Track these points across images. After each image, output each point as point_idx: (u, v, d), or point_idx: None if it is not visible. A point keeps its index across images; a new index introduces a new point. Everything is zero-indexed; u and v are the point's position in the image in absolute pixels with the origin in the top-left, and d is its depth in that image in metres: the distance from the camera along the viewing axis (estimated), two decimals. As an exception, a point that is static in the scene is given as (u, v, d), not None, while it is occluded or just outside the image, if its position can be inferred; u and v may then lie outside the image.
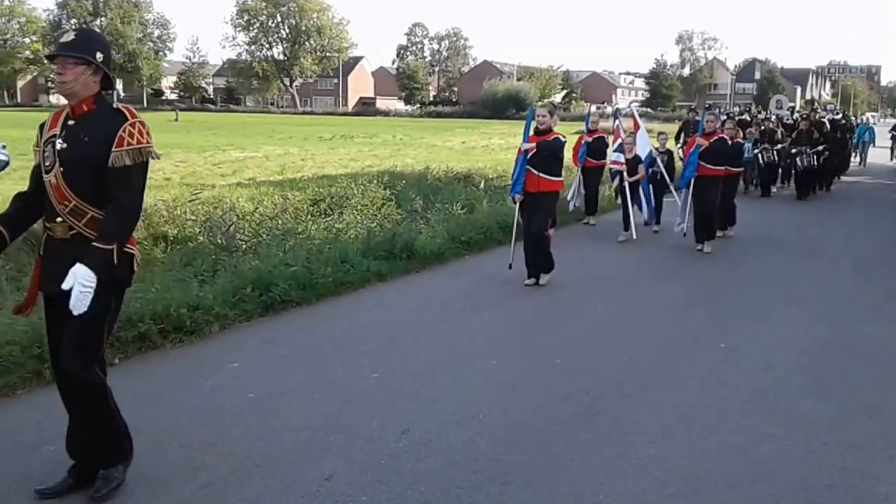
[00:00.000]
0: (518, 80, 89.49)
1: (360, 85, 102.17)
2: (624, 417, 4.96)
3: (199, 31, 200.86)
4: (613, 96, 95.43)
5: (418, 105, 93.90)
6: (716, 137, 10.56)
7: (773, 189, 18.22)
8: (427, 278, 8.86)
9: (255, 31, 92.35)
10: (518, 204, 8.38)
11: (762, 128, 18.21)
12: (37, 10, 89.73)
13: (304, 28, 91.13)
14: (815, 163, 17.34)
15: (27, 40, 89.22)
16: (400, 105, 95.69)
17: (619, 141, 11.86)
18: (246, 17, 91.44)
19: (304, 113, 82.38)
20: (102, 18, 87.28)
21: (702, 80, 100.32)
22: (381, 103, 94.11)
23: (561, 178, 8.43)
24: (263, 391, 5.24)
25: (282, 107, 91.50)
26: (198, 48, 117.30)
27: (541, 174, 8.12)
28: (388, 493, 3.95)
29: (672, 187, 12.10)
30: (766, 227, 13.40)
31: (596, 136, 12.52)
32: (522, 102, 73.31)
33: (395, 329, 6.84)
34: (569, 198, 12.49)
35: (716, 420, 4.97)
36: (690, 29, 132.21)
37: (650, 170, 11.92)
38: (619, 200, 11.85)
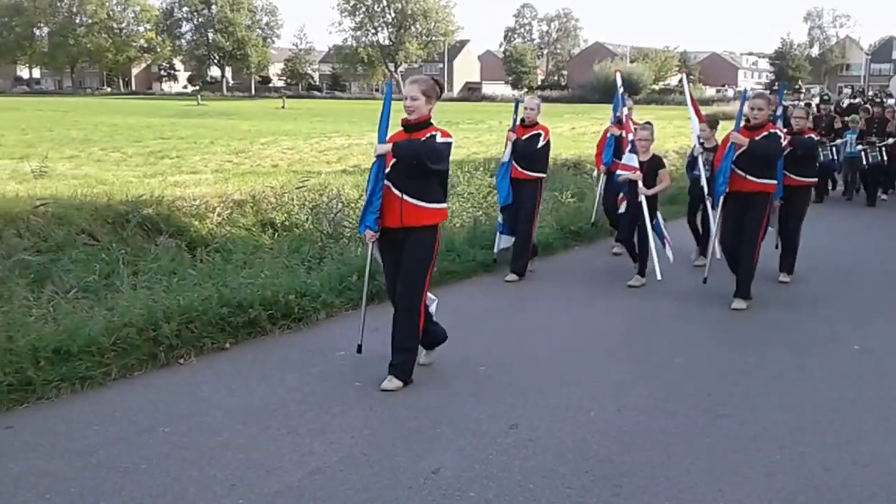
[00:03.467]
0: (631, 61, 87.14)
1: (465, 69, 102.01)
2: (749, 421, 4.67)
3: (306, 18, 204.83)
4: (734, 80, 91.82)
5: (526, 89, 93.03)
6: (764, 133, 6.82)
7: (884, 196, 14.64)
8: (534, 269, 8.66)
9: (361, 15, 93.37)
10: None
11: (870, 115, 14.31)
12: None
13: (409, 12, 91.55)
14: (882, 158, 13.74)
15: (141, 29, 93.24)
16: (507, 90, 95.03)
17: (631, 136, 8.13)
18: (352, 2, 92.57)
19: (471, 99, 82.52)
20: (213, 7, 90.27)
21: (832, 61, 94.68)
22: (488, 88, 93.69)
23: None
24: (370, 380, 5.20)
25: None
26: (304, 35, 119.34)
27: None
28: (496, 490, 3.84)
29: (709, 202, 7.96)
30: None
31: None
32: (636, 85, 71.36)
33: (501, 321, 6.71)
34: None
35: (852, 427, 4.62)
36: (820, 5, 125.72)
37: (694, 174, 8.43)
38: (623, 224, 8.12)
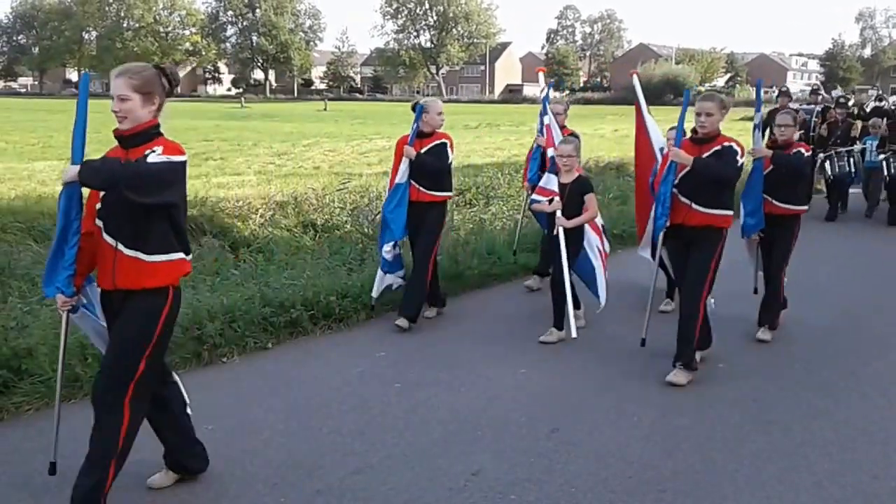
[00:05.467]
0: (677, 63, 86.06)
1: (507, 71, 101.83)
2: (797, 428, 4.57)
3: (348, 21, 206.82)
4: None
5: (568, 91, 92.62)
6: (715, 147, 5.19)
7: None
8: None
9: (404, 18, 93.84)
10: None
11: (893, 119, 12.06)
12: (196, 2, 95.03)
13: (451, 14, 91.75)
14: None
15: (187, 32, 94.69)
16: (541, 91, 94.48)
17: (550, 150, 6.48)
18: (394, 6, 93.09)
19: (449, 101, 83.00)
20: (258, 10, 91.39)
21: (885, 62, 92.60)
22: (529, 90, 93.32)
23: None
24: (410, 381, 5.21)
25: (427, 95, 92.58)
26: (347, 38, 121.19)
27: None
28: (537, 493, 3.81)
29: None
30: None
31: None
32: (681, 87, 70.42)
33: (543, 325, 6.66)
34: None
35: (902, 435, 4.49)
36: (872, 6, 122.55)
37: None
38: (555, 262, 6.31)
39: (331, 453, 4.20)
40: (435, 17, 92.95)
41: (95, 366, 4.96)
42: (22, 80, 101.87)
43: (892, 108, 13.82)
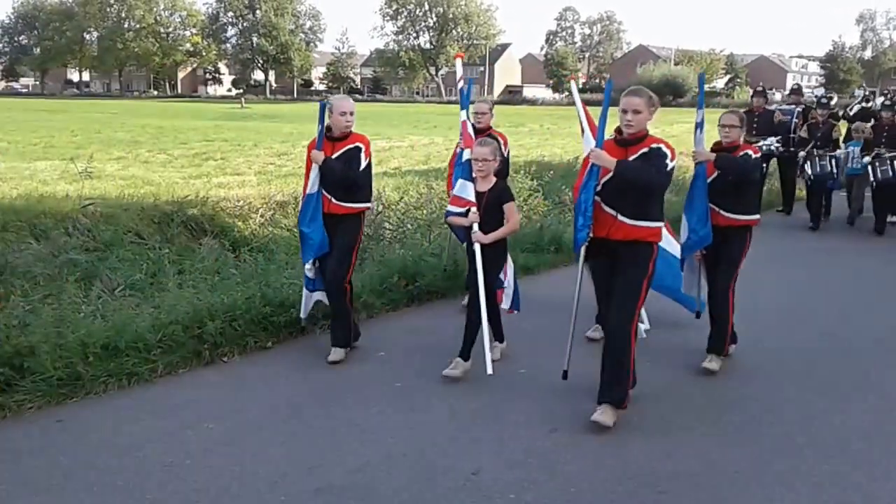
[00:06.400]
0: (676, 64, 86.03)
1: (506, 73, 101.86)
2: (797, 429, 4.58)
3: (348, 22, 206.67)
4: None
5: (567, 92, 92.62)
6: (642, 149, 4.53)
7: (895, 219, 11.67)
8: (575, 273, 8.52)
9: (403, 20, 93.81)
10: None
11: (878, 121, 11.43)
12: (196, 3, 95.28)
13: (451, 16, 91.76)
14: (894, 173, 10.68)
15: (187, 33, 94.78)
16: (548, 93, 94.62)
17: (466, 152, 5.44)
18: (394, 7, 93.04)
19: (449, 102, 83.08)
20: (258, 11, 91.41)
21: (886, 64, 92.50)
22: (529, 91, 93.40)
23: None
24: (409, 381, 5.22)
25: (427, 96, 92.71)
26: (346, 39, 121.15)
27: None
28: (536, 493, 3.82)
29: None
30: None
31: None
32: (680, 88, 70.48)
33: (542, 324, 6.67)
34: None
35: (902, 437, 4.50)
36: (873, 8, 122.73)
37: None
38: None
39: (330, 452, 4.20)
40: (435, 19, 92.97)
41: (97, 364, 4.98)
42: (23, 80, 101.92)
43: (879, 108, 13.19)
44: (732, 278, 5.50)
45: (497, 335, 5.70)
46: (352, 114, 5.54)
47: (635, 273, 4.54)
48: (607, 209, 4.53)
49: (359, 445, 4.29)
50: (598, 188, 4.53)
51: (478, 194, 5.27)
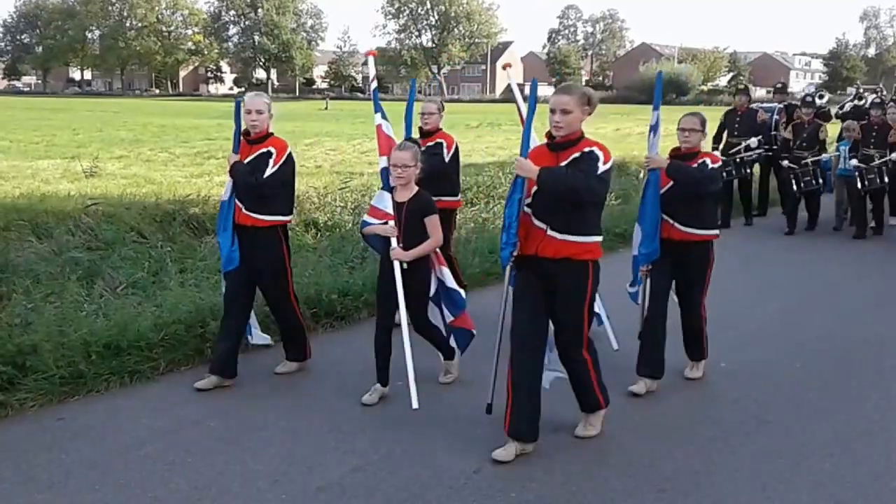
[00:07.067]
0: (679, 62, 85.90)
1: (508, 71, 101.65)
2: (797, 428, 4.58)
3: (350, 21, 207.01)
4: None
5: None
6: (573, 154, 4.04)
7: (893, 221, 11.26)
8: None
9: (405, 18, 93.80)
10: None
11: (868, 121, 10.76)
12: (198, 1, 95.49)
13: (453, 14, 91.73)
14: (882, 180, 10.19)
15: (189, 32, 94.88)
16: (550, 91, 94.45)
17: (383, 160, 5.14)
18: (396, 5, 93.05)
19: (451, 100, 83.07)
20: (260, 10, 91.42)
21: (889, 61, 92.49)
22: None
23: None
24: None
25: (429, 94, 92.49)
26: (348, 37, 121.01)
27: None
28: (538, 491, 3.83)
29: None
30: None
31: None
32: (683, 86, 70.40)
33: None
34: None
35: (902, 436, 4.50)
36: (877, 5, 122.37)
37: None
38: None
39: (332, 450, 4.21)
40: (436, 17, 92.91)
41: (99, 363, 4.99)
42: (25, 78, 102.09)
43: (868, 107, 12.21)
44: (702, 298, 5.15)
45: (445, 353, 5.21)
46: (259, 112, 4.97)
47: (574, 299, 4.08)
48: (538, 223, 4.05)
49: (360, 443, 4.30)
50: (529, 200, 4.08)
51: (397, 205, 4.73)
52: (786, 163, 10.71)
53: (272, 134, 5.10)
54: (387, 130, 5.34)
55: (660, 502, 3.75)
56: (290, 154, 5.10)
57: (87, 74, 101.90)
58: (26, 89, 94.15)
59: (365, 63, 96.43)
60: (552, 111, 4.01)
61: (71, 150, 17.66)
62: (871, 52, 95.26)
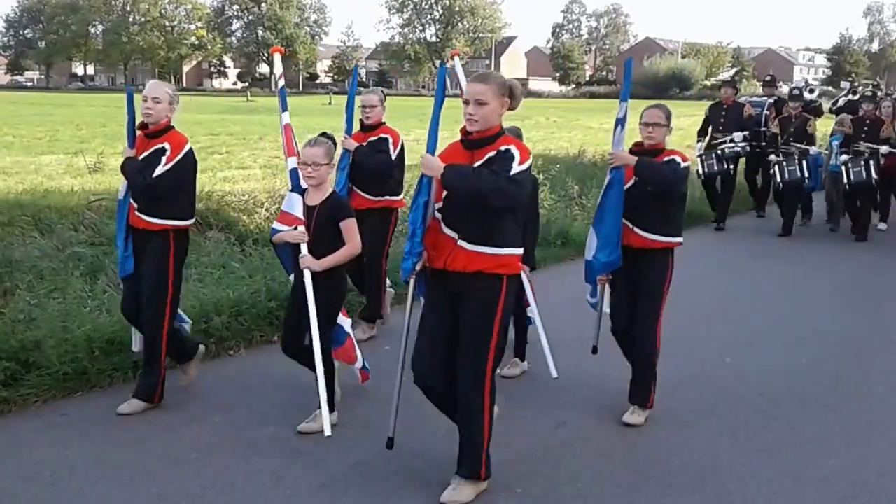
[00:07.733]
0: (683, 57, 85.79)
1: (512, 66, 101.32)
2: (803, 424, 4.57)
3: (353, 15, 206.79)
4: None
5: (573, 85, 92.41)
6: (489, 154, 3.52)
7: (882, 225, 10.84)
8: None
9: (409, 13, 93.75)
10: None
11: (860, 115, 10.35)
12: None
13: (457, 9, 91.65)
14: (870, 175, 9.77)
15: (193, 27, 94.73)
16: (554, 86, 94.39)
17: (292, 160, 4.60)
18: (400, 0, 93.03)
19: (454, 95, 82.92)
20: (263, 5, 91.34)
21: (893, 57, 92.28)
22: (534, 84, 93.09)
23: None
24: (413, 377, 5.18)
25: (432, 89, 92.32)
26: (352, 32, 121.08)
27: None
28: (544, 487, 3.82)
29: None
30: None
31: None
32: (686, 81, 70.32)
33: (549, 319, 6.64)
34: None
35: (910, 432, 4.48)
36: (880, 0, 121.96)
37: None
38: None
39: (336, 446, 4.19)
40: (440, 12, 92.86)
41: (103, 359, 4.98)
42: (28, 74, 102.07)
43: (858, 100, 11.85)
44: (657, 315, 4.46)
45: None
46: (156, 100, 4.43)
47: (481, 319, 3.52)
48: (447, 231, 3.52)
49: (364, 439, 4.28)
50: (440, 205, 3.55)
51: (308, 209, 4.23)
52: (773, 157, 10.32)
53: (172, 128, 4.56)
54: (291, 134, 4.76)
55: (666, 497, 3.73)
56: (188, 152, 4.53)
57: (90, 70, 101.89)
58: (29, 84, 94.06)
59: (365, 58, 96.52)
60: (465, 102, 3.49)
61: (74, 146, 17.65)
62: (875, 47, 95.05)
